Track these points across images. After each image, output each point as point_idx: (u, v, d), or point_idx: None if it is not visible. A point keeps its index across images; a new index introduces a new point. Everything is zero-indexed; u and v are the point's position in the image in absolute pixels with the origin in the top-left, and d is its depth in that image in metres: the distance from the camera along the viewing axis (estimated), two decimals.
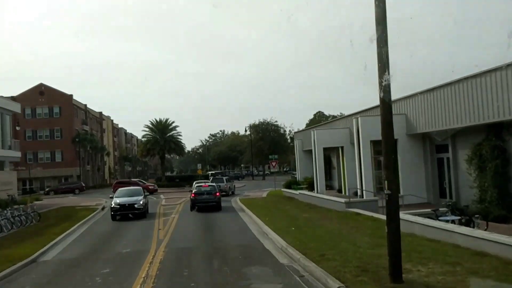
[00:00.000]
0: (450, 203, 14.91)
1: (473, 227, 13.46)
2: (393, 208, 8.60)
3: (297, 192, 31.50)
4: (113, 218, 24.27)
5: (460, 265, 9.48)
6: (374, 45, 8.58)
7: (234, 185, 46.55)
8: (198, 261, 12.79)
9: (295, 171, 71.77)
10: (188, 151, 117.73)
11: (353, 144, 29.83)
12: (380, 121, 8.88)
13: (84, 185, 64.12)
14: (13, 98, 55.96)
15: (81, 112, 78.67)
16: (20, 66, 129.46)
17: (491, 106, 16.75)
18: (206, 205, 27.34)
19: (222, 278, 10.61)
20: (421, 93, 22.40)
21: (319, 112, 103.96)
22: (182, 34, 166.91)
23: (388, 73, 8.63)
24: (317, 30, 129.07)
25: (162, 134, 68.18)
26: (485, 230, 13.52)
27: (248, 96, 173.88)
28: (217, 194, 28.18)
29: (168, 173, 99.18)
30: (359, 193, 24.91)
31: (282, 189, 38.06)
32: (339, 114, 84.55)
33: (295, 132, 53.23)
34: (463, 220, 14.17)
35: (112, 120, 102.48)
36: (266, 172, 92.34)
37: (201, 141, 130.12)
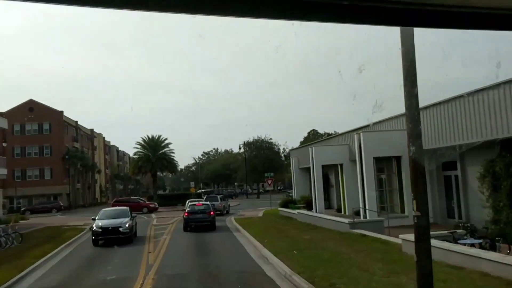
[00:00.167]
0: (468, 225, 13.66)
1: (495, 251, 12.22)
2: (423, 234, 7.27)
3: (295, 211, 30.11)
4: (95, 243, 21.31)
5: None
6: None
7: (229, 204, 45.08)
8: None
9: (290, 189, 70.63)
10: (181, 169, 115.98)
11: (353, 161, 28.67)
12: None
13: (62, 204, 61.81)
14: (0, 114, 54.41)
15: (72, 129, 77.10)
16: (8, 82, 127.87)
17: (505, 121, 15.68)
18: (200, 224, 26.21)
19: None
20: (426, 107, 21.36)
21: (313, 130, 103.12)
22: (174, 52, 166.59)
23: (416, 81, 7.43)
24: (304, 59, 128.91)
25: (154, 152, 66.67)
26: (508, 254, 12.28)
27: (241, 114, 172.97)
28: (211, 213, 27.12)
29: (161, 191, 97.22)
30: (362, 212, 23.58)
31: (279, 208, 36.65)
32: (334, 132, 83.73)
33: (291, 150, 51.97)
34: (483, 244, 12.91)
35: (104, 138, 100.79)
36: (261, 190, 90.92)
37: (194, 159, 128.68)
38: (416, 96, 7.42)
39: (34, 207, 58.29)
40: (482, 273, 10.03)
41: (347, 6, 1.26)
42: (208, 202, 30.51)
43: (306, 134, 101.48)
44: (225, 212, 39.91)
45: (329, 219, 22.99)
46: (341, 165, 30.45)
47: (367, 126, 26.77)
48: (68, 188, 68.08)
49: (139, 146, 68.22)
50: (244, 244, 19.51)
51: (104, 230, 21.19)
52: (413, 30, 6.87)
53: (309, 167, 34.25)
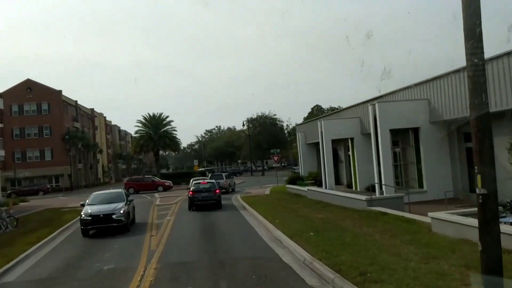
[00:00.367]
0: (509, 201, 12.17)
1: None
2: (490, 215, 5.79)
3: (305, 188, 28.71)
4: (84, 233, 17.95)
5: None
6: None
7: (234, 182, 43.84)
8: (200, 283, 9.97)
9: (295, 166, 69.27)
10: (184, 148, 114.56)
11: (364, 134, 27.15)
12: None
13: (49, 186, 60.64)
14: None
15: (72, 109, 75.49)
16: (6, 63, 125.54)
17: None
18: (205, 203, 25.09)
19: None
20: (447, 74, 19.69)
21: (317, 105, 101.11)
22: (176, 32, 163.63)
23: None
24: (311, 26, 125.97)
25: (156, 130, 65.01)
26: None
27: (243, 91, 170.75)
28: (217, 191, 26.00)
29: (164, 170, 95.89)
30: (377, 188, 22.12)
31: (286, 185, 35.36)
32: (338, 106, 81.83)
33: (297, 125, 50.27)
34: None
35: (105, 117, 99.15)
36: (265, 167, 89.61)
37: (197, 137, 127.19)
38: (480, 34, 5.81)
39: (20, 189, 56.92)
40: None
41: None
42: (213, 180, 29.29)
43: (310, 110, 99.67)
44: (230, 190, 38.74)
45: (343, 196, 21.56)
46: (352, 139, 28.92)
47: (380, 97, 25.04)
48: (69, 168, 66.87)
49: (140, 125, 66.56)
50: (253, 225, 18.12)
51: (95, 218, 17.78)
52: None
53: (317, 143, 32.74)
